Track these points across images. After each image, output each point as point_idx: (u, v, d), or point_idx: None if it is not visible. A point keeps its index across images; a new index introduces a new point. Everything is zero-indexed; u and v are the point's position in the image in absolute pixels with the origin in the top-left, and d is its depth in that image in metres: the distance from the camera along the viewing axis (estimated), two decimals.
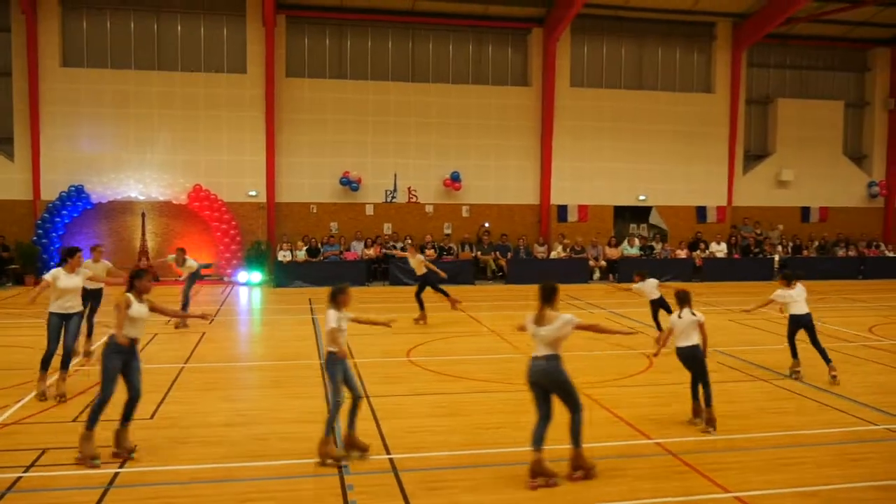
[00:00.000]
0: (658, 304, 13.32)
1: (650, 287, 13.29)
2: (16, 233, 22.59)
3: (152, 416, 8.58)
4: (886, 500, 6.31)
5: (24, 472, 6.75)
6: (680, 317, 8.18)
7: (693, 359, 8.12)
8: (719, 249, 25.70)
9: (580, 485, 6.56)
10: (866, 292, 21.61)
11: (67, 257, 9.34)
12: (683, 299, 8.28)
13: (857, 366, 11.56)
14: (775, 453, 7.43)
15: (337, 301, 7.14)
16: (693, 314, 8.13)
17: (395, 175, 25.01)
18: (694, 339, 8.08)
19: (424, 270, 15.56)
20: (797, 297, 10.48)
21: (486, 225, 25.61)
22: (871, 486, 6.58)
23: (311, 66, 24.89)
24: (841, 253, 26.72)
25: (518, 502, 6.21)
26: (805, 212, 28.26)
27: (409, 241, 22.84)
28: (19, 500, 6.17)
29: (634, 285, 13.63)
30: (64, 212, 22.52)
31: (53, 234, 22.44)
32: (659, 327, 13.23)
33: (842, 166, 28.37)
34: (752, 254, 25.93)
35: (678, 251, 25.45)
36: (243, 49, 24.06)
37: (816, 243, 27.11)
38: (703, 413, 8.16)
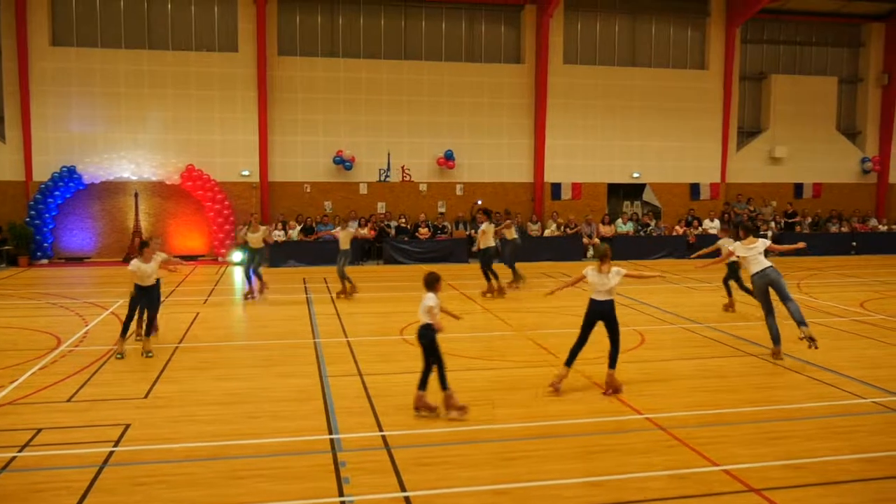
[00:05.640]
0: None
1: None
2: (8, 214, 22.51)
3: (146, 396, 8.62)
4: (873, 472, 6.38)
5: (19, 451, 6.78)
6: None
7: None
8: (712, 226, 25.74)
9: (569, 458, 6.64)
10: (858, 268, 21.71)
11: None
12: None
13: (847, 340, 11.65)
14: (763, 427, 7.51)
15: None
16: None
17: (389, 154, 24.92)
18: None
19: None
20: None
21: (479, 203, 25.59)
22: (858, 458, 6.66)
23: (302, 44, 24.69)
24: (833, 229, 26.81)
25: (511, 476, 6.27)
26: (798, 188, 28.28)
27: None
28: (14, 478, 6.21)
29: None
30: (56, 192, 22.42)
31: (46, 215, 22.37)
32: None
33: (835, 142, 28.36)
34: None
35: (678, 228, 25.50)
36: (234, 27, 23.85)
37: (809, 219, 27.17)
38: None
